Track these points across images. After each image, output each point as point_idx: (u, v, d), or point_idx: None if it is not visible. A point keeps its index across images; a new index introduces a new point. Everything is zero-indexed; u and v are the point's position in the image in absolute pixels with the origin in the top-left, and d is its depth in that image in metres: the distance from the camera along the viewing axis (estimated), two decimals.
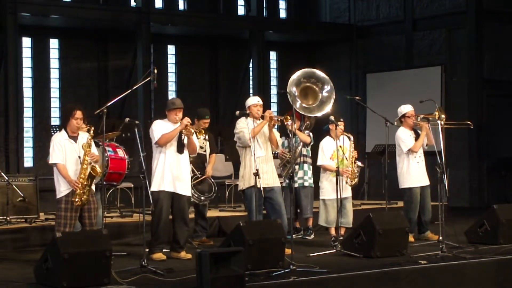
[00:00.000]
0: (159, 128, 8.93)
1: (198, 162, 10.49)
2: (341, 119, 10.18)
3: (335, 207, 10.01)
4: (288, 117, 9.23)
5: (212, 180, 10.52)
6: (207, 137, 10.65)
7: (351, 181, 10.06)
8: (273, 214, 9.40)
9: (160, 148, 8.94)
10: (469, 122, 10.71)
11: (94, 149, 8.47)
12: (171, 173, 8.93)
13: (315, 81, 10.33)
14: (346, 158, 10.06)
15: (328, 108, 10.22)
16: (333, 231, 10.24)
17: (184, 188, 9.05)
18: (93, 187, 8.49)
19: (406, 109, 10.72)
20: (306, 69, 10.41)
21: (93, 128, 8.50)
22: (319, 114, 10.30)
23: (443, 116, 10.41)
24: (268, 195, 9.37)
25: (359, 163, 10.21)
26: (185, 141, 8.97)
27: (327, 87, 10.32)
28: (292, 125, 9.34)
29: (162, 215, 8.94)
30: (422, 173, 10.65)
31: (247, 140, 9.28)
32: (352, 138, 10.19)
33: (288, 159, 10.56)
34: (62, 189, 8.32)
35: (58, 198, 8.36)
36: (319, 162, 10.36)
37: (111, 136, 10.49)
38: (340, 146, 10.02)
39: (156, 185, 8.93)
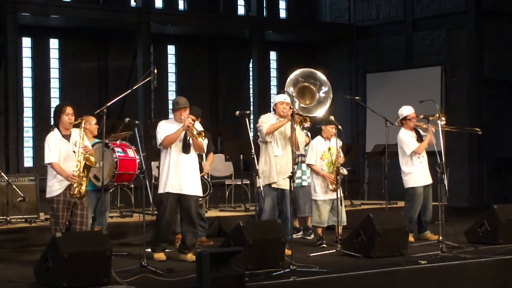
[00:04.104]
0: (163, 129, 8.84)
1: None
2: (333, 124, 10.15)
3: (327, 207, 10.08)
4: (308, 119, 9.18)
5: (208, 179, 10.45)
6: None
7: (332, 186, 10.02)
8: (280, 215, 9.33)
9: (165, 149, 8.88)
10: (477, 129, 10.69)
11: (87, 142, 8.46)
12: (177, 174, 8.81)
13: (313, 81, 10.32)
14: (333, 162, 10.05)
15: (325, 108, 10.19)
16: (320, 231, 10.25)
17: (192, 188, 8.90)
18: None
19: (407, 111, 10.71)
20: (303, 69, 10.39)
21: (84, 120, 8.48)
22: (316, 114, 10.27)
23: (443, 118, 10.41)
24: (279, 197, 9.34)
25: (344, 170, 10.13)
26: (191, 141, 8.88)
27: (325, 88, 10.30)
28: (292, 126, 9.28)
29: (165, 216, 8.89)
30: (425, 173, 10.63)
31: (264, 135, 9.25)
32: (341, 143, 10.17)
33: None
34: (53, 189, 8.32)
35: (50, 197, 8.35)
36: (307, 161, 10.35)
37: (123, 136, 10.46)
38: (329, 148, 10.04)
39: (162, 187, 8.87)
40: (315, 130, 11.01)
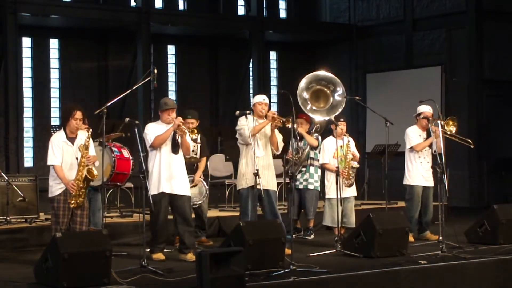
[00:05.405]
0: (152, 130, 8.85)
1: (189, 165, 10.37)
2: (341, 119, 10.18)
3: (340, 206, 10.05)
4: (290, 120, 9.17)
5: (204, 183, 10.40)
6: (198, 140, 10.46)
7: (347, 181, 10.02)
8: (269, 216, 9.32)
9: (155, 150, 8.87)
10: (469, 141, 10.68)
11: (92, 151, 8.44)
12: (168, 174, 8.83)
13: (326, 83, 10.32)
14: (345, 158, 10.05)
15: (337, 112, 10.20)
16: (336, 231, 10.22)
17: (182, 188, 8.93)
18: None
19: (422, 108, 10.67)
20: (315, 73, 10.38)
21: (91, 129, 8.47)
22: (327, 118, 10.27)
23: (454, 128, 10.35)
24: (262, 198, 9.31)
25: (354, 164, 10.15)
26: (180, 140, 8.89)
27: (339, 90, 10.33)
28: (293, 126, 9.24)
29: (160, 216, 8.88)
30: (425, 174, 10.59)
31: (247, 137, 9.20)
32: (351, 140, 10.19)
33: (295, 161, 10.54)
34: (54, 189, 8.34)
35: (51, 197, 8.38)
36: (320, 161, 10.42)
37: (113, 137, 10.46)
38: (341, 146, 10.02)
39: (155, 187, 8.83)
40: (329, 131, 11.00)
